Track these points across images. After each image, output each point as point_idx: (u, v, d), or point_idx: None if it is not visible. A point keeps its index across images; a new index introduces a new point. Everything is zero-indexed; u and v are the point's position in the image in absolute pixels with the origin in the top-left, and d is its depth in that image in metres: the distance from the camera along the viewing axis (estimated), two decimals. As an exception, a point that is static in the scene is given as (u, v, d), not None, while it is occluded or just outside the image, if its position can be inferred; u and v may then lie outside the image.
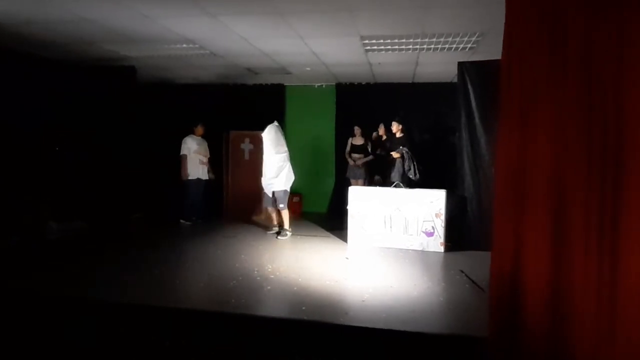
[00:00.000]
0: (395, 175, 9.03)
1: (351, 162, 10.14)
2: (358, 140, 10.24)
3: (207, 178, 10.10)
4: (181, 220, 9.87)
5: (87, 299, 5.24)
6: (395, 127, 9.40)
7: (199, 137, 10.03)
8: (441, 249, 7.71)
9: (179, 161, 9.84)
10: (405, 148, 9.02)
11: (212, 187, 10.37)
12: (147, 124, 10.58)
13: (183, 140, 9.88)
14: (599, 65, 2.84)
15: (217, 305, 5.14)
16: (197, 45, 7.71)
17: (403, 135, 9.35)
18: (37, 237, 8.06)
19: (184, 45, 7.71)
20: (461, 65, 7.69)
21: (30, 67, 8.48)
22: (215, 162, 10.47)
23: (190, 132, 10.01)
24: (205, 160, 10.04)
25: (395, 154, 9.05)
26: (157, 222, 10.02)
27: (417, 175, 8.86)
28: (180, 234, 8.98)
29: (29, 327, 4.86)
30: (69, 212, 8.92)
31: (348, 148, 10.35)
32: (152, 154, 10.57)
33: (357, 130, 10.28)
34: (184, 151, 9.82)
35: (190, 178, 9.83)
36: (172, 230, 9.35)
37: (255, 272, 6.34)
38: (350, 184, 9.56)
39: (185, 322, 4.83)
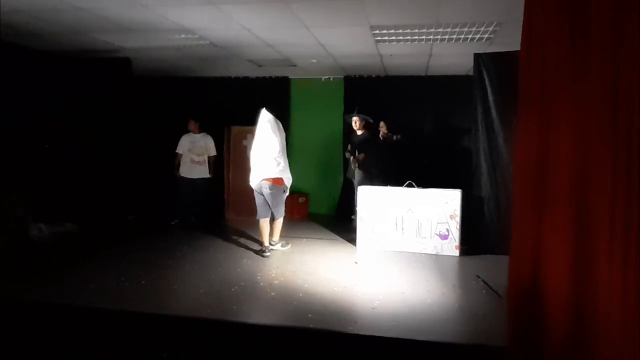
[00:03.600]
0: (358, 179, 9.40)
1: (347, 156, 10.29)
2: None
3: (204, 177, 10.11)
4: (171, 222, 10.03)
5: (78, 306, 5.25)
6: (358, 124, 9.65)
7: (197, 135, 10.07)
8: (456, 252, 7.71)
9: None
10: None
11: (210, 186, 10.40)
12: (143, 120, 10.60)
13: (180, 139, 10.07)
14: (625, 58, 2.84)
15: (218, 313, 5.15)
16: (196, 36, 7.73)
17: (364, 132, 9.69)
18: (24, 239, 8.08)
19: (183, 36, 7.73)
20: (477, 57, 7.68)
21: (18, 58, 8.46)
22: (217, 160, 10.52)
23: (179, 129, 10.16)
24: (198, 159, 10.03)
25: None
26: (154, 223, 10.06)
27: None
28: (178, 236, 8.98)
29: (15, 336, 4.88)
30: (59, 213, 8.93)
31: (348, 146, 10.41)
32: (149, 152, 10.59)
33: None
34: (177, 149, 10.03)
35: (182, 176, 9.98)
36: (170, 232, 9.38)
37: (259, 278, 6.37)
38: (353, 184, 9.62)
39: (184, 331, 4.85)
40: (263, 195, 7.62)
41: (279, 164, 7.53)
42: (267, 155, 7.53)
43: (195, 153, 9.99)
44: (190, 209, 10.06)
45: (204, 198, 10.19)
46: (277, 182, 7.56)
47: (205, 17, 6.70)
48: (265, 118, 7.65)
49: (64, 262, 7.14)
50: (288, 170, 7.75)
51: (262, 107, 7.88)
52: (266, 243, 7.74)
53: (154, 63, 10.05)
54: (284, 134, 7.87)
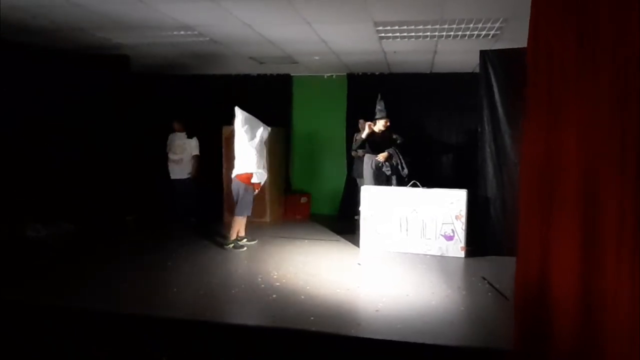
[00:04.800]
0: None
1: (353, 154, 10.26)
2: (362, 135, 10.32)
3: (183, 177, 10.08)
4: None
5: (73, 308, 5.25)
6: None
7: (178, 134, 10.12)
8: (462, 254, 7.72)
9: None
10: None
11: (210, 186, 10.40)
12: (141, 118, 10.62)
13: None
14: (635, 55, 2.83)
15: (218, 315, 5.17)
16: (196, 32, 7.73)
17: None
18: (19, 240, 8.09)
19: (182, 32, 7.74)
20: (483, 54, 7.68)
21: (15, 57, 8.44)
22: (215, 160, 10.48)
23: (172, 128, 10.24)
24: (174, 158, 10.05)
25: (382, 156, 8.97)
26: (153, 224, 10.08)
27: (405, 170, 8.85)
28: (177, 237, 8.97)
29: (7, 339, 4.88)
30: (56, 213, 8.94)
31: (353, 145, 10.42)
32: (147, 152, 10.59)
33: (361, 123, 10.34)
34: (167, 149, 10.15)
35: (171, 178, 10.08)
36: (169, 233, 9.39)
37: (260, 279, 6.37)
38: (357, 184, 9.59)
39: (183, 333, 4.86)
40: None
41: (246, 160, 7.87)
42: (236, 152, 7.96)
43: (172, 152, 10.04)
44: (185, 210, 10.06)
45: (191, 199, 10.15)
46: (240, 178, 7.93)
47: (205, 13, 6.70)
48: (236, 115, 7.95)
49: (60, 263, 7.14)
50: (258, 166, 7.98)
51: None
52: (241, 234, 8.29)
53: (152, 60, 10.05)
54: (260, 131, 8.08)
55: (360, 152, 10.26)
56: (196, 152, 10.13)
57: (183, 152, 10.03)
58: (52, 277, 6.42)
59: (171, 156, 10.02)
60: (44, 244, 8.14)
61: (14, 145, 8.51)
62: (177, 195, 10.05)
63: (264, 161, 8.15)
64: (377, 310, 5.29)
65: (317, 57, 9.58)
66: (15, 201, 8.46)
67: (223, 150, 10.51)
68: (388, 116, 8.99)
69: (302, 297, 5.69)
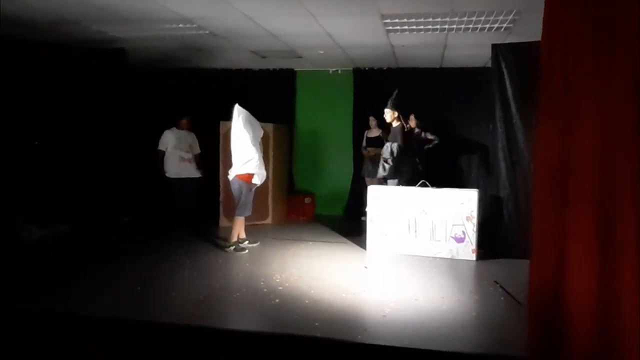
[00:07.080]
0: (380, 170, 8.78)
1: (364, 152, 10.23)
2: (373, 133, 10.34)
3: (195, 176, 9.93)
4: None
5: (68, 313, 5.24)
6: (390, 116, 8.82)
7: (183, 131, 9.88)
8: (473, 256, 7.69)
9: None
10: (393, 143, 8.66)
11: (204, 187, 10.31)
12: (139, 115, 10.63)
13: (163, 134, 9.81)
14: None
15: (219, 321, 5.17)
16: (195, 25, 7.74)
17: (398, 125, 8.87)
18: (13, 243, 8.10)
19: (181, 25, 7.75)
20: (496, 47, 7.66)
21: (9, 54, 8.45)
22: (213, 157, 10.43)
23: (173, 124, 9.88)
24: (187, 156, 9.86)
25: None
26: (152, 225, 10.08)
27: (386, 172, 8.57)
28: (176, 239, 8.95)
29: (4, 341, 4.90)
30: (51, 214, 8.95)
31: (364, 143, 10.43)
32: (145, 149, 10.54)
33: (372, 121, 10.38)
34: (159, 146, 9.72)
35: (169, 176, 9.74)
36: (168, 234, 9.38)
37: (262, 283, 6.37)
38: (366, 184, 9.58)
39: (182, 339, 4.86)
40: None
41: (249, 160, 7.85)
42: (236, 150, 7.92)
43: (183, 150, 9.80)
44: (187, 210, 9.96)
45: (194, 199, 9.99)
46: (242, 178, 7.94)
47: (205, 6, 6.71)
48: (237, 113, 7.91)
49: (56, 265, 7.16)
50: (260, 167, 7.99)
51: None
52: (242, 236, 8.29)
53: (150, 55, 10.07)
54: (258, 130, 8.14)
55: (370, 150, 10.30)
56: (199, 149, 10.06)
57: (192, 149, 9.96)
58: (49, 279, 6.43)
59: (183, 154, 9.86)
60: (40, 245, 8.16)
61: (11, 145, 8.53)
62: (183, 195, 9.84)
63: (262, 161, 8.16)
64: (384, 316, 5.28)
65: (321, 51, 9.58)
66: (11, 202, 8.48)
67: (220, 147, 10.49)
68: (398, 108, 8.83)
69: (306, 301, 5.69)
